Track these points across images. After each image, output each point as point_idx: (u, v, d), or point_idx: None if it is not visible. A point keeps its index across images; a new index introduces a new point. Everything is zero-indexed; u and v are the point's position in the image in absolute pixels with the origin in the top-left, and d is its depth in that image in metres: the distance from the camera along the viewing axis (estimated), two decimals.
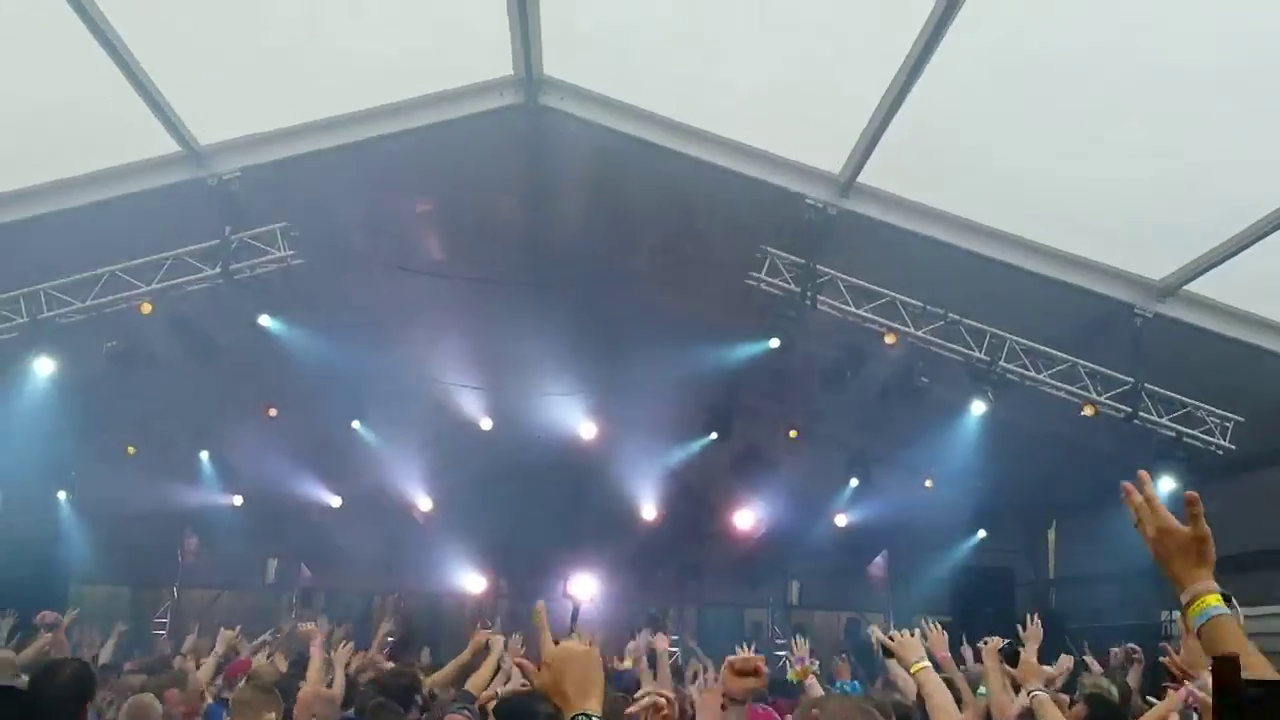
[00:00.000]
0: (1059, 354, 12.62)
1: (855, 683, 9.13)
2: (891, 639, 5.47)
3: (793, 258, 12.25)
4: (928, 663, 5.05)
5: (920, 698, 5.06)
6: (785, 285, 12.33)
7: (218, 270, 12.09)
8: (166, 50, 10.10)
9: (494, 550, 18.22)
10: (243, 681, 7.10)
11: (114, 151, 11.54)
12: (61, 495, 16.88)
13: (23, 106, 10.25)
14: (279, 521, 17.40)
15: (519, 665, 2.75)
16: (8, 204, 11.62)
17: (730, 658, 3.78)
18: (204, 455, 17.32)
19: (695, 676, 9.75)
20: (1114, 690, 7.68)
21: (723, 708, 3.76)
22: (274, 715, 5.84)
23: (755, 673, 3.70)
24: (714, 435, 17.04)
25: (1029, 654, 5.87)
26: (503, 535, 17.79)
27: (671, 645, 9.47)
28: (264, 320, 12.93)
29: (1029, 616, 6.27)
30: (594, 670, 2.57)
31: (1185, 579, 2.68)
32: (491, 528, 17.71)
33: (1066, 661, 8.12)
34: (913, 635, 5.38)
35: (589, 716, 2.48)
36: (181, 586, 18.39)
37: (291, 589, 18.96)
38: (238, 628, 10.24)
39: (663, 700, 3.87)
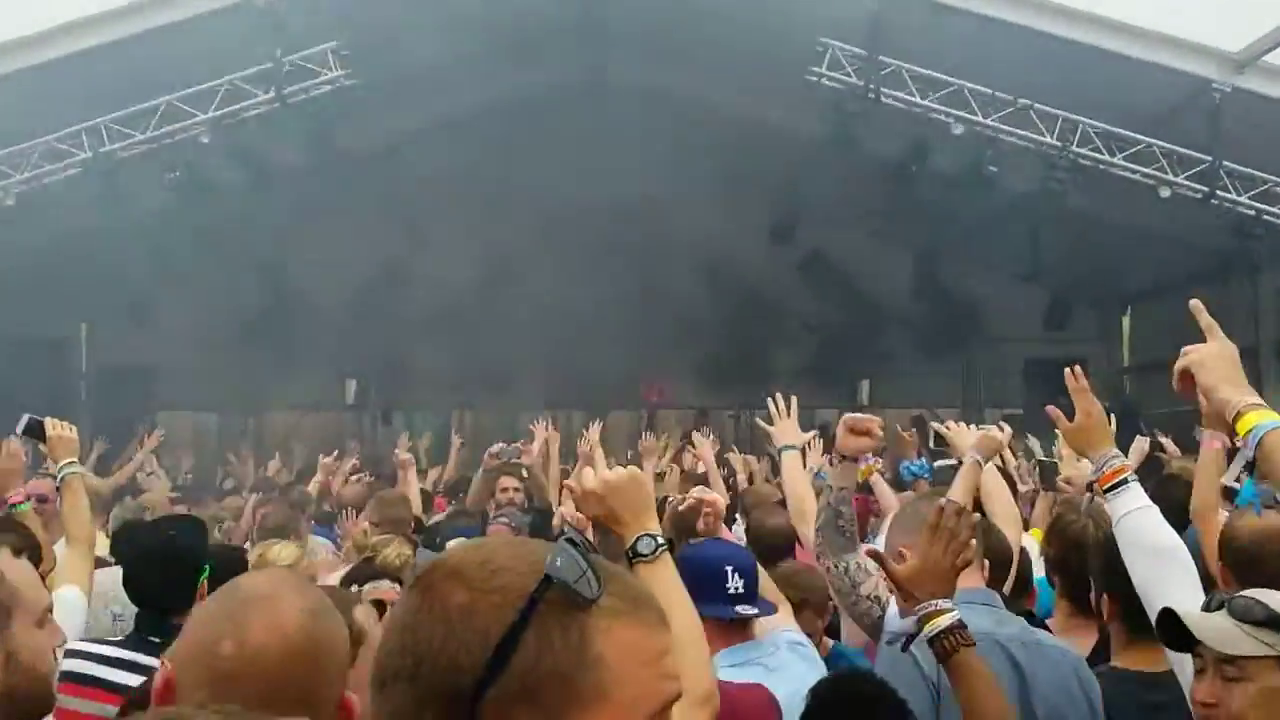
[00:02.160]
0: (1134, 135, 12.25)
1: (922, 460, 9.13)
2: (948, 427, 5.47)
3: (854, 49, 11.90)
4: (978, 455, 5.01)
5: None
6: (846, 79, 12.01)
7: (271, 94, 12.02)
8: None
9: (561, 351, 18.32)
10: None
11: None
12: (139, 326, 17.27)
13: None
14: (353, 340, 17.61)
15: (568, 487, 2.73)
16: (56, 38, 11.56)
17: (846, 415, 3.84)
18: (279, 281, 17.44)
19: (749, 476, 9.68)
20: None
21: (832, 463, 3.83)
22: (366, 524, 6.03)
23: (868, 433, 3.73)
24: (778, 238, 16.91)
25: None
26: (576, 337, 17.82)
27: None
28: (322, 140, 12.84)
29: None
30: (645, 492, 2.57)
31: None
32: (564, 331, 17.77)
33: (1142, 444, 8.11)
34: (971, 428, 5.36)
35: (654, 536, 2.49)
36: (258, 412, 18.80)
37: (372, 409, 19.32)
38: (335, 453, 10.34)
39: (708, 499, 3.96)
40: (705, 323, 17.80)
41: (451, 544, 1.21)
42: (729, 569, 3.48)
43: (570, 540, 1.21)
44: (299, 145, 12.96)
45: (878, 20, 11.64)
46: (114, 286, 15.55)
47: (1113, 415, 6.29)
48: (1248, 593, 2.65)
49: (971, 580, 3.21)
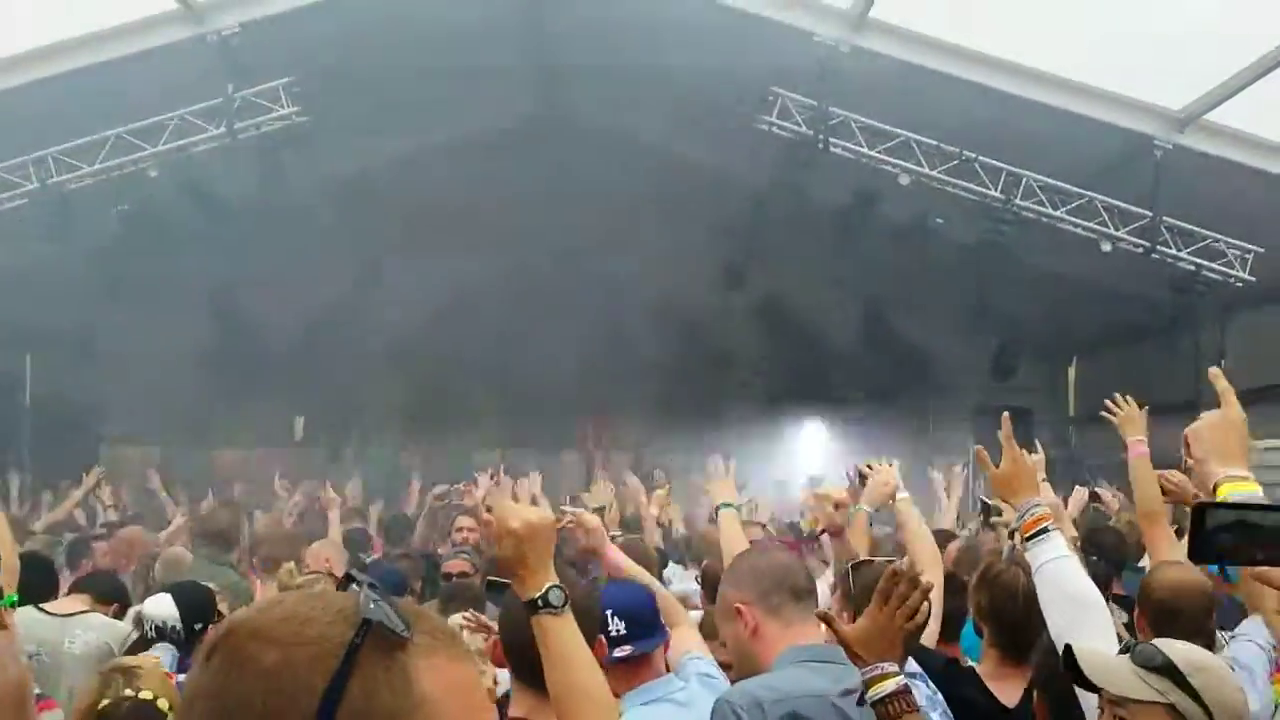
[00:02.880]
0: (1076, 189, 12.45)
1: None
2: (869, 467, 5.56)
3: (804, 99, 12.04)
4: (905, 494, 5.21)
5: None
6: (796, 128, 12.15)
7: (223, 130, 12.00)
8: None
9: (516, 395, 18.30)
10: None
11: (112, 10, 11.37)
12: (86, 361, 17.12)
13: None
14: (303, 376, 17.51)
15: (483, 521, 2.72)
16: (6, 69, 11.50)
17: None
18: (228, 313, 17.34)
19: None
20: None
21: None
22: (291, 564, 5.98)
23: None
24: (731, 282, 17.02)
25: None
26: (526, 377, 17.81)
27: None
28: (271, 176, 12.83)
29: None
30: (553, 540, 2.60)
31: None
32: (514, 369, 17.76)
33: (1081, 493, 8.25)
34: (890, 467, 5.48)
35: (562, 588, 2.51)
36: (210, 448, 18.64)
37: (320, 446, 19.19)
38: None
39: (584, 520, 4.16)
40: (657, 364, 17.84)
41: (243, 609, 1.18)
42: (609, 613, 3.50)
43: (369, 584, 1.19)
44: (250, 180, 12.92)
45: (827, 71, 11.78)
46: (59, 318, 15.40)
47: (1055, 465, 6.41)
48: (1156, 641, 2.72)
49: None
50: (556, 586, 2.50)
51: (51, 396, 17.26)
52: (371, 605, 1.15)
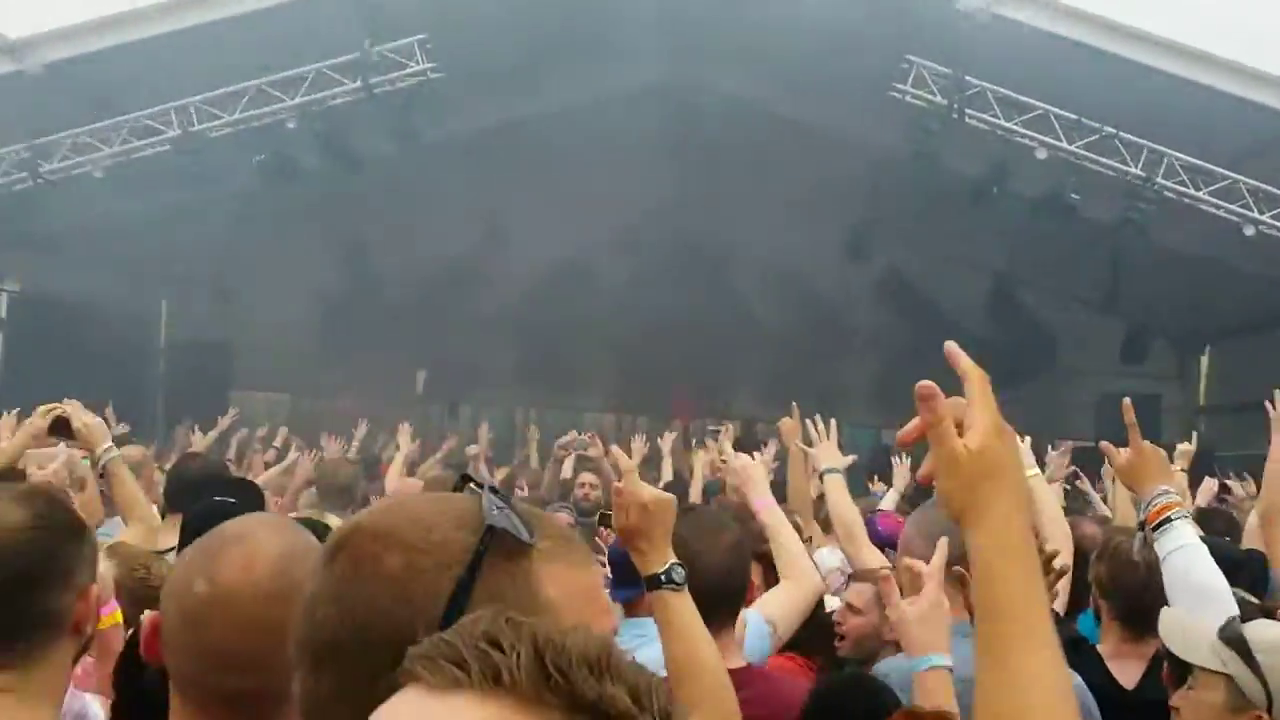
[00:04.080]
0: (1220, 170, 12.03)
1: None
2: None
3: (940, 68, 11.81)
4: (1036, 470, 4.90)
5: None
6: (930, 97, 11.93)
7: (359, 84, 12.21)
8: None
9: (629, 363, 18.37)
10: None
11: None
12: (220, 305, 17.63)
13: None
14: (427, 332, 17.78)
15: (616, 489, 2.69)
16: (152, 18, 11.83)
17: None
18: (358, 268, 17.69)
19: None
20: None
21: None
22: None
23: None
24: (853, 254, 16.83)
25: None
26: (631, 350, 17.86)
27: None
28: (405, 132, 13.01)
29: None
30: (673, 519, 2.61)
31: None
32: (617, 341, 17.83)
33: (1210, 484, 8.05)
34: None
35: (682, 566, 2.54)
36: (334, 398, 19.05)
37: (441, 400, 19.49)
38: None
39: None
40: (774, 335, 17.76)
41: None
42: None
43: (492, 489, 1.20)
44: (383, 135, 13.13)
45: (965, 40, 11.54)
46: (196, 264, 15.88)
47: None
48: (1256, 621, 2.69)
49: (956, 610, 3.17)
50: (678, 564, 2.53)
51: (185, 341, 17.82)
52: (495, 511, 1.15)
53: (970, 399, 1.55)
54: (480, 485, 1.23)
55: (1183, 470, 6.13)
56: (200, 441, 10.46)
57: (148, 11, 11.90)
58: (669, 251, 16.84)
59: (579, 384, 18.59)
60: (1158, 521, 3.23)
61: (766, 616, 3.67)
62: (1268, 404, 5.03)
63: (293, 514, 6.72)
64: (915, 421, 1.55)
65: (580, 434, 9.41)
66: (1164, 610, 2.72)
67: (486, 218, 16.56)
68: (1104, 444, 3.76)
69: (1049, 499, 4.85)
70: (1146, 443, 3.42)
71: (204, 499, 3.97)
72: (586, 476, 8.07)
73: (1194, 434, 9.21)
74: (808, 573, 3.95)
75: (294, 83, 12.32)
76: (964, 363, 1.58)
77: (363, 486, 7.86)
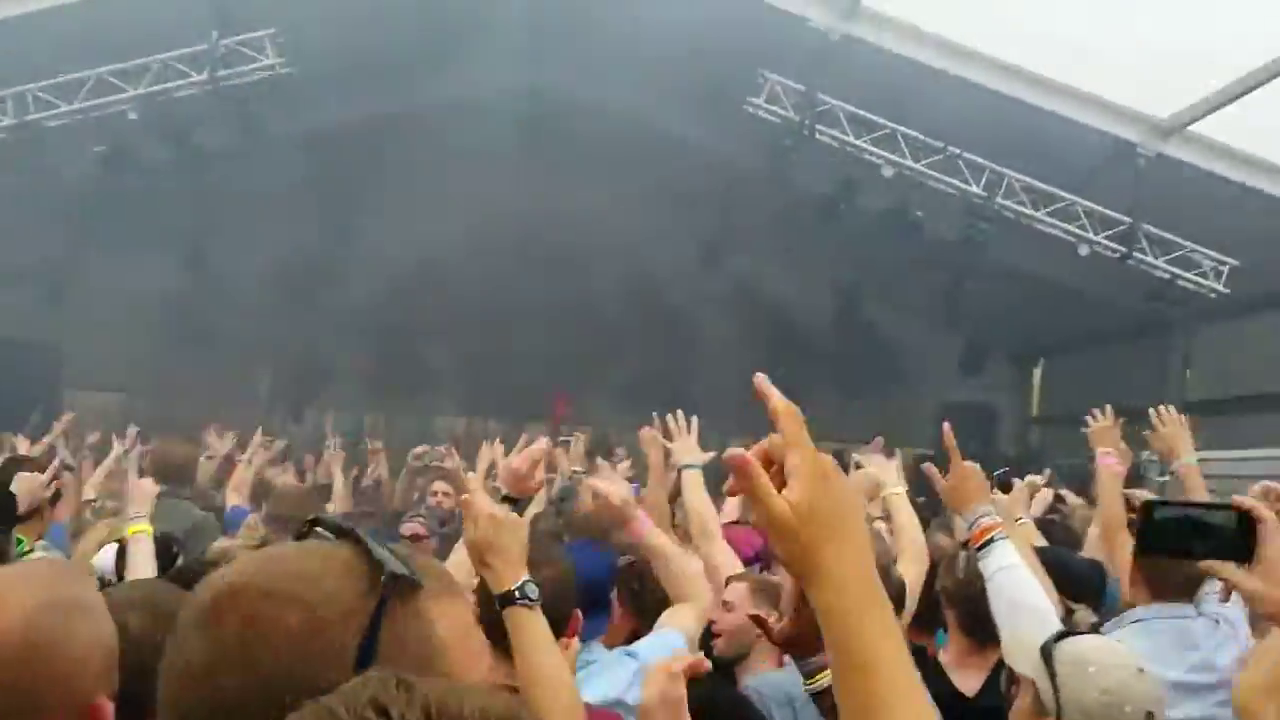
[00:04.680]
0: (1058, 192, 12.50)
1: None
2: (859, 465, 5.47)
3: (793, 84, 12.02)
4: (900, 488, 5.08)
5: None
6: (784, 113, 12.12)
7: (205, 77, 11.86)
8: None
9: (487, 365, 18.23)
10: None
11: None
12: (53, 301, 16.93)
13: None
14: (270, 332, 17.36)
15: (464, 503, 2.67)
16: None
17: None
18: (198, 264, 17.16)
19: None
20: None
21: None
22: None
23: None
24: (706, 261, 17.01)
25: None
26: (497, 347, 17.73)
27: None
28: (251, 127, 12.71)
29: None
30: (525, 536, 2.61)
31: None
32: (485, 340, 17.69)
33: (1045, 494, 8.31)
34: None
35: (535, 584, 2.54)
36: (173, 399, 18.45)
37: (286, 403, 19.04)
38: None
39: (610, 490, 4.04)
40: (627, 339, 17.81)
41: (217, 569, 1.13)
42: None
43: (352, 532, 1.18)
44: (229, 129, 12.78)
45: (818, 58, 11.76)
46: (26, 258, 15.18)
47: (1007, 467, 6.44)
48: (1078, 636, 2.85)
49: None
50: (531, 581, 2.51)
51: (13, 338, 17.04)
52: (386, 555, 1.14)
53: (786, 443, 1.42)
54: (332, 528, 1.20)
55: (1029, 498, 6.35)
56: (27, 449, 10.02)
57: None
58: (523, 255, 16.75)
59: (431, 388, 18.38)
60: (981, 543, 3.37)
61: (686, 635, 3.69)
62: (1088, 418, 5.28)
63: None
64: (731, 480, 1.43)
65: (434, 446, 9.28)
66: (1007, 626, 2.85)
67: (337, 216, 16.27)
68: (927, 466, 3.88)
69: (905, 515, 4.97)
70: (967, 463, 3.56)
71: None
72: (439, 485, 7.95)
73: (1047, 471, 9.58)
74: (702, 592, 3.94)
75: (137, 73, 11.91)
76: (774, 400, 1.45)
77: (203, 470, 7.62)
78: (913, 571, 4.54)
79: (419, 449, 9.31)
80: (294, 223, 15.47)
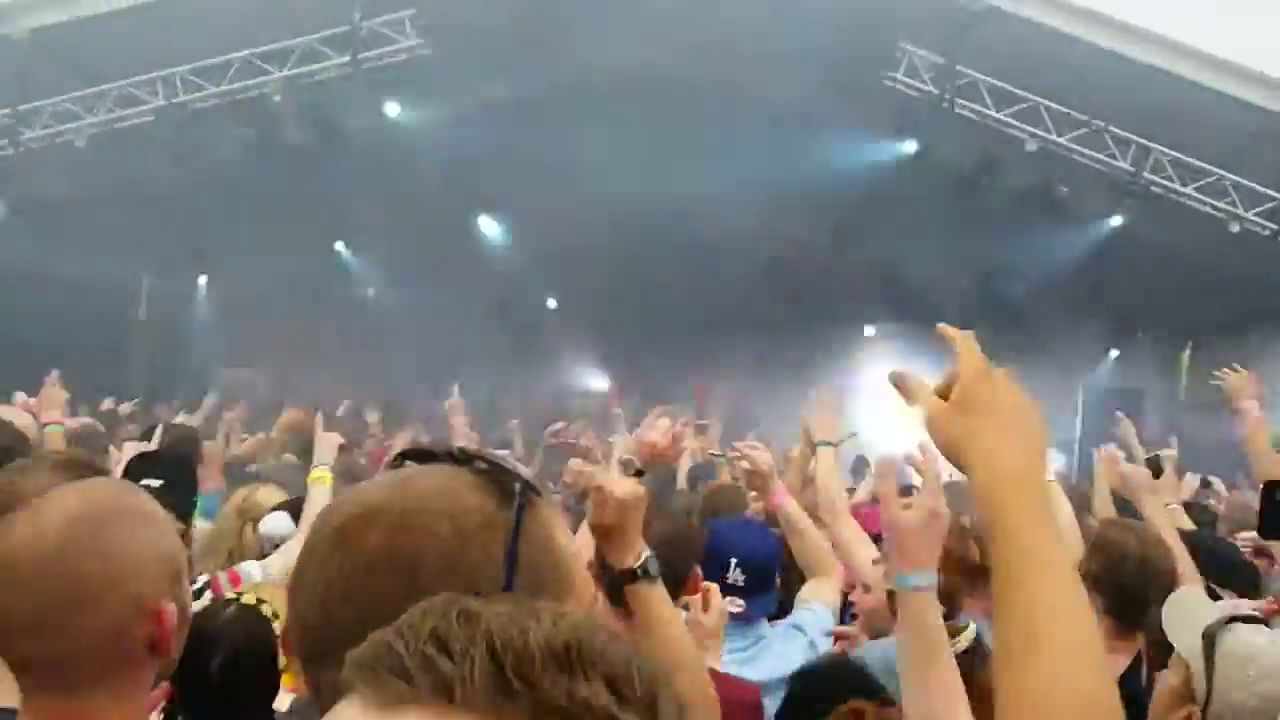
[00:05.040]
0: (1208, 167, 12.04)
1: None
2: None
3: (933, 57, 11.78)
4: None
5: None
6: (923, 86, 11.90)
7: (347, 59, 12.11)
8: None
9: (621, 346, 18.38)
10: None
11: None
12: (202, 280, 17.51)
13: None
14: (406, 318, 17.72)
15: (596, 488, 2.63)
16: None
17: None
18: (339, 246, 17.59)
19: None
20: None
21: None
22: None
23: None
24: (840, 239, 16.82)
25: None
26: (630, 329, 17.86)
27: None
28: (391, 109, 12.93)
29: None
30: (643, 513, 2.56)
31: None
32: (618, 321, 17.82)
33: (1192, 480, 8.01)
34: None
35: (655, 559, 2.49)
36: (316, 376, 18.93)
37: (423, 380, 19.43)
38: None
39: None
40: (760, 319, 17.75)
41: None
42: (733, 561, 3.49)
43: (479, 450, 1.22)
44: (369, 111, 13.02)
45: (957, 29, 11.51)
46: (179, 239, 15.69)
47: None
48: (1251, 625, 2.70)
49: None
50: (652, 557, 2.47)
51: (165, 316, 17.67)
52: (516, 464, 1.19)
53: (957, 357, 1.57)
54: (440, 453, 1.23)
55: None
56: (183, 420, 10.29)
57: None
58: (655, 235, 16.78)
59: (564, 365, 18.63)
60: None
61: (832, 609, 3.75)
62: (1220, 374, 5.05)
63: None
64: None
65: (570, 422, 9.36)
66: (1179, 591, 2.69)
67: (464, 205, 16.50)
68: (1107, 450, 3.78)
69: (1058, 501, 4.77)
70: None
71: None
72: (574, 462, 7.97)
73: (1174, 438, 9.24)
74: (834, 566, 3.97)
75: (280, 55, 12.22)
76: (950, 331, 1.63)
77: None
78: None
79: (554, 426, 9.39)
80: (426, 207, 15.68)
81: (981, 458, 1.46)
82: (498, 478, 1.17)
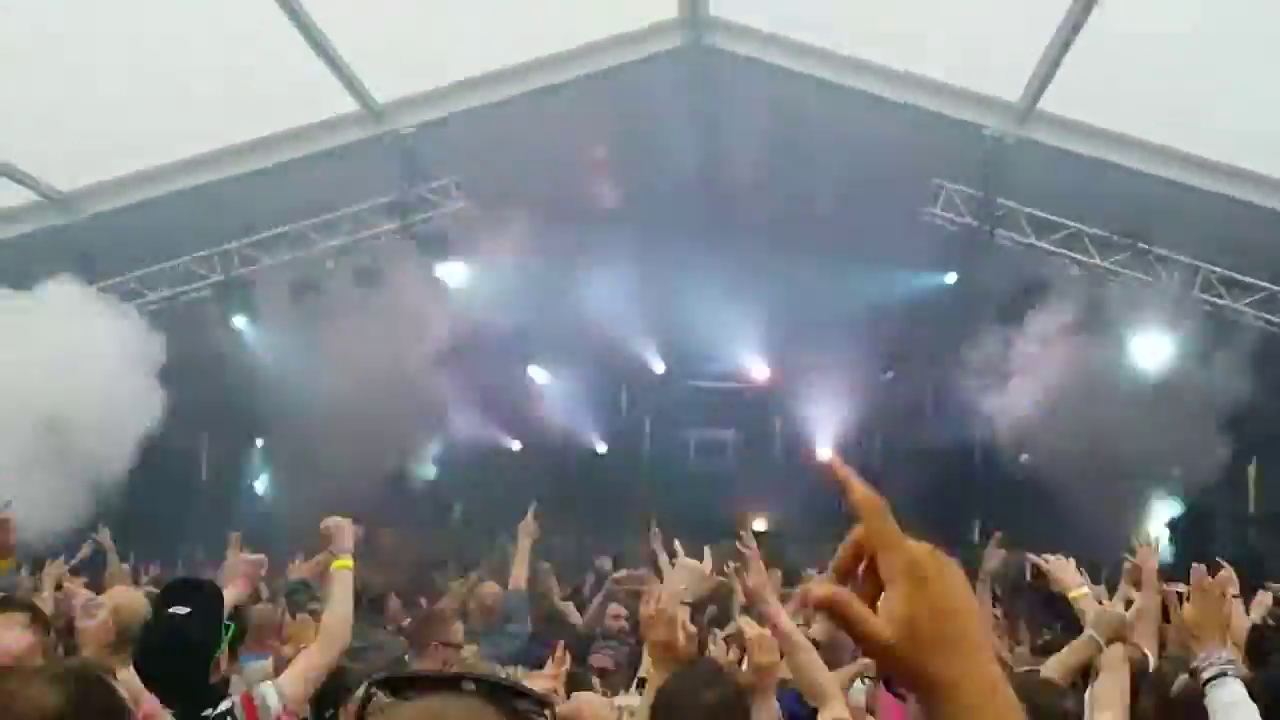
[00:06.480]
0: (1257, 283, 12.01)
1: None
2: (1046, 560, 4.89)
3: (969, 190, 11.92)
4: (1086, 588, 4.57)
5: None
6: (961, 219, 12.02)
7: (397, 224, 12.48)
8: (342, 9, 10.26)
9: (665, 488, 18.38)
10: None
11: (295, 112, 11.88)
12: (259, 442, 17.73)
13: (207, 71, 10.47)
14: (459, 466, 17.84)
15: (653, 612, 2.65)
16: (197, 167, 12.11)
17: None
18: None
19: None
20: None
21: None
22: None
23: None
24: (889, 374, 16.81)
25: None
26: (674, 475, 17.85)
27: None
28: (442, 270, 13.23)
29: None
30: None
31: None
32: (663, 468, 17.83)
33: (1265, 598, 7.82)
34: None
35: None
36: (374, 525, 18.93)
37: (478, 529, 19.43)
38: None
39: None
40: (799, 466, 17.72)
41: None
42: None
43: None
44: (417, 271, 13.31)
45: (993, 162, 11.66)
46: (235, 399, 15.89)
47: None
48: None
49: None
50: None
51: (227, 475, 17.85)
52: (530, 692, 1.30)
53: (874, 544, 1.18)
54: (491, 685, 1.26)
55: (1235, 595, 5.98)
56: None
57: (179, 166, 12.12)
58: (712, 404, 16.99)
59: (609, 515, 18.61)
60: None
61: None
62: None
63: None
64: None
65: (636, 570, 9.38)
66: None
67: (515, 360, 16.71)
68: (1167, 590, 3.73)
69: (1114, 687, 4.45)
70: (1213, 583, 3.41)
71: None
72: (616, 608, 8.00)
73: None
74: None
75: (332, 225, 12.59)
76: (855, 493, 1.18)
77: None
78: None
79: (619, 574, 9.41)
80: (480, 360, 15.87)
81: (939, 688, 1.15)
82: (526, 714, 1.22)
